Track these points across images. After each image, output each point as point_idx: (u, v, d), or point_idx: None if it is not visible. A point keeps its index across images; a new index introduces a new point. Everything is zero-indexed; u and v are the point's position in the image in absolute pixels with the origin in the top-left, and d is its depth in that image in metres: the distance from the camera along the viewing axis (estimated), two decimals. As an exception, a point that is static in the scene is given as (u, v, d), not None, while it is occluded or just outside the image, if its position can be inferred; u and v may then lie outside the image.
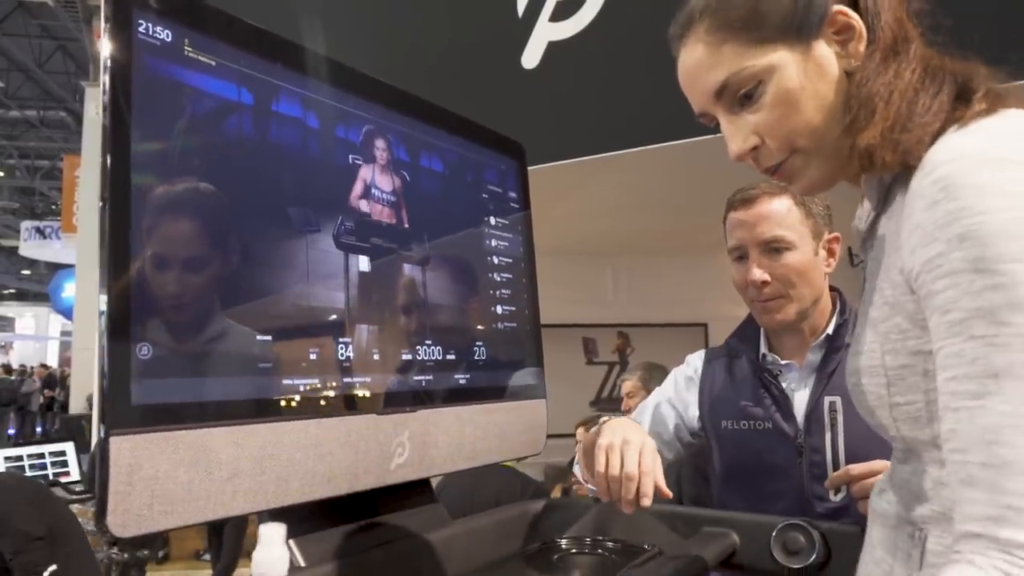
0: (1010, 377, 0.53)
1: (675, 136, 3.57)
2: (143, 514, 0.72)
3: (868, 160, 0.68)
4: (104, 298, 0.71)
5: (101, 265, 0.71)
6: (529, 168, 1.33)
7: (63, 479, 4.11)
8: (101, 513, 0.70)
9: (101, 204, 0.72)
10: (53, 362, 21.10)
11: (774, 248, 1.24)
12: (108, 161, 0.72)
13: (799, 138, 0.72)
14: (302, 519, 0.92)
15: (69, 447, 4.32)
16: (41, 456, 4.24)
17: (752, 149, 0.74)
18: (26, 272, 26.03)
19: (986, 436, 0.53)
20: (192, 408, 0.76)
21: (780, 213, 1.25)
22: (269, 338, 0.85)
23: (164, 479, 0.73)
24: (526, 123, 3.22)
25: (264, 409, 0.83)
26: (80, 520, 2.47)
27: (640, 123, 3.62)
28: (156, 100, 0.77)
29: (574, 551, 1.14)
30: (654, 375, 3.30)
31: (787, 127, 0.72)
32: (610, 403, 4.59)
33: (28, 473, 4.10)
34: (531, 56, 2.91)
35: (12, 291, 28.86)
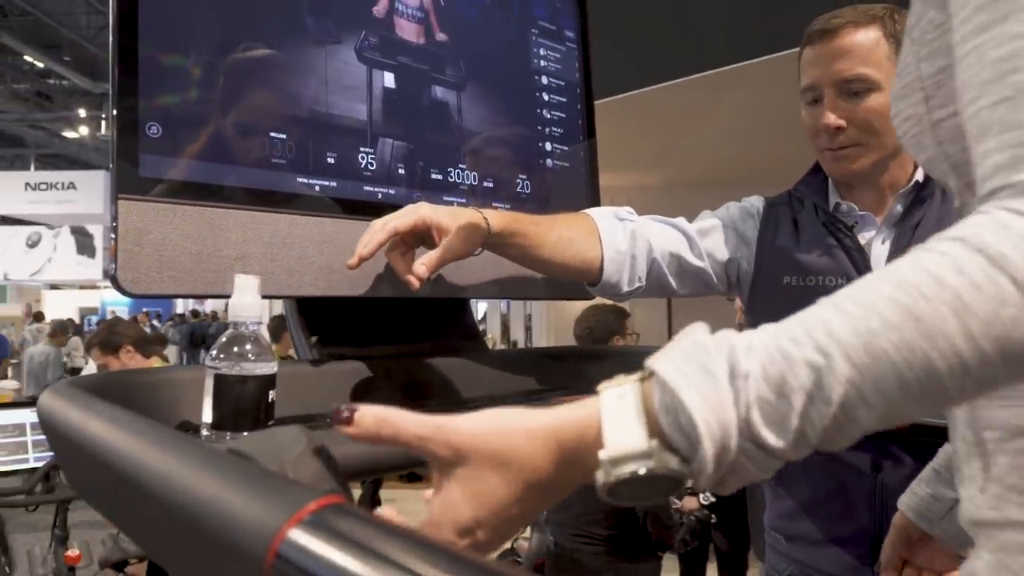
0: None
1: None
2: (152, 276, 0.78)
3: None
4: (116, 73, 0.77)
5: (112, 42, 0.77)
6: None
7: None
8: (114, 271, 0.76)
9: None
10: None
11: (854, 90, 1.06)
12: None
13: None
14: (333, 322, 0.97)
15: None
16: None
17: None
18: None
19: (998, 69, 0.42)
20: (199, 188, 0.81)
21: (865, 47, 1.06)
22: (283, 136, 0.88)
23: (172, 247, 0.79)
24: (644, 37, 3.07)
25: (273, 200, 0.86)
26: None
27: (769, 28, 3.34)
28: None
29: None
30: None
31: None
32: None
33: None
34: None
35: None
